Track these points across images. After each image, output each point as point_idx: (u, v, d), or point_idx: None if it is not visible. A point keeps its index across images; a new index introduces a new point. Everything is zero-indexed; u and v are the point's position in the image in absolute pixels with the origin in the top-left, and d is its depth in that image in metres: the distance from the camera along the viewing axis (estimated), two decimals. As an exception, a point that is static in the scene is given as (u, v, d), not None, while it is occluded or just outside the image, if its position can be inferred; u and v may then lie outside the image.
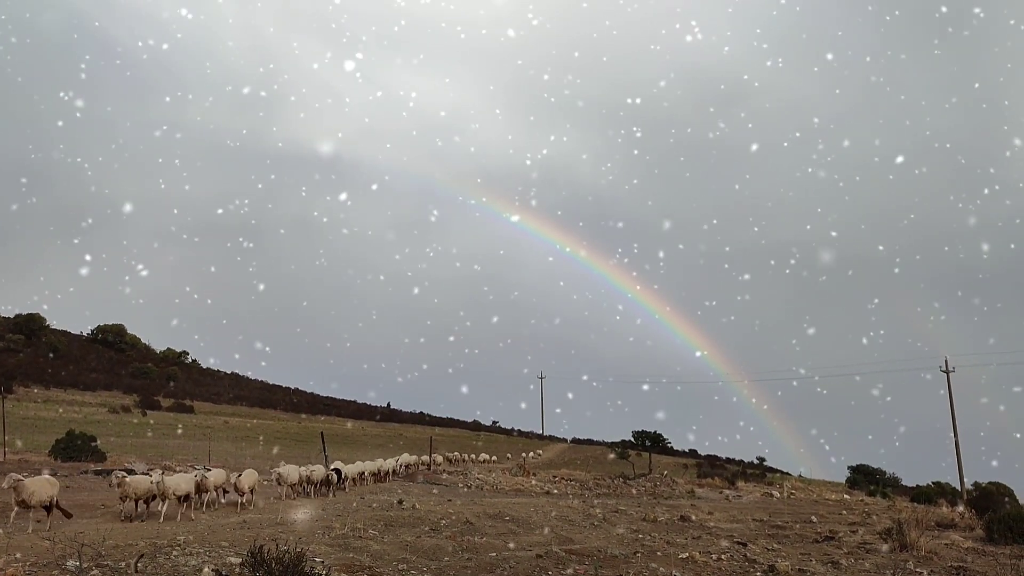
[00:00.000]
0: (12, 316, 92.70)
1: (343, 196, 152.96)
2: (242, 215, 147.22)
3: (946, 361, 62.26)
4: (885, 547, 20.26)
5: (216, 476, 23.68)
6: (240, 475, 24.41)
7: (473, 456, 62.24)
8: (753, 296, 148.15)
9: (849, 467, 70.51)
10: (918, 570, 17.08)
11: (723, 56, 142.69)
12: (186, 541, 15.04)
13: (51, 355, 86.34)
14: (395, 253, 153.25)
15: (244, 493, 24.23)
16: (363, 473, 35.81)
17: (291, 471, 28.03)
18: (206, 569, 12.31)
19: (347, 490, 32.30)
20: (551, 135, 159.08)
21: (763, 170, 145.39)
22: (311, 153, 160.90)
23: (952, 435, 59.83)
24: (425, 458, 50.31)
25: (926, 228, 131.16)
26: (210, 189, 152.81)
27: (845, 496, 48.74)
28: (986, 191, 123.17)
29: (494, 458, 64.52)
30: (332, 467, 32.52)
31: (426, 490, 36.72)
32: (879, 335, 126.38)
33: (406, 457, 44.80)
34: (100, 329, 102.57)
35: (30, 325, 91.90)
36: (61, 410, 64.19)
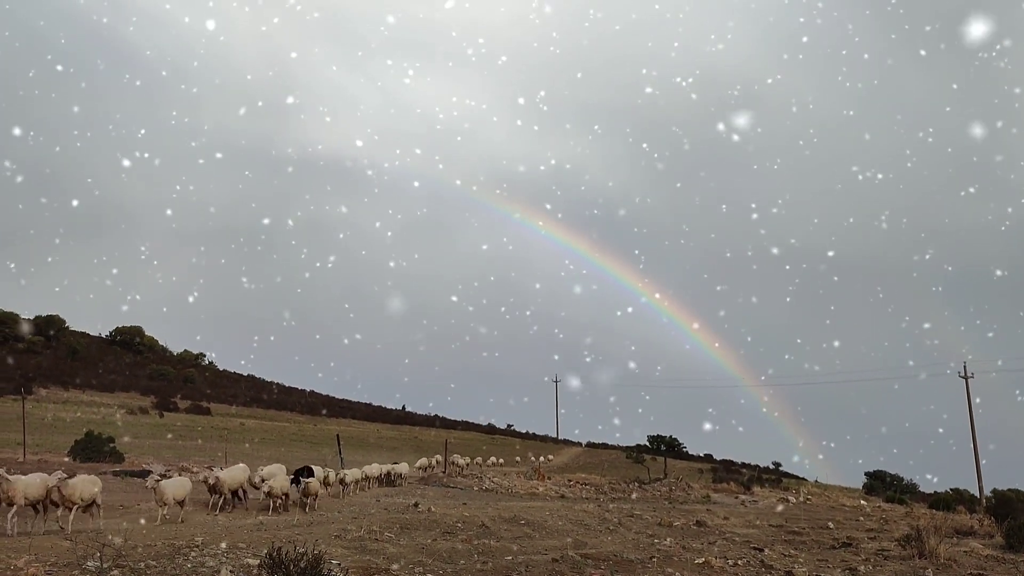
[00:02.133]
0: (32, 317, 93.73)
1: (358, 199, 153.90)
2: (257, 219, 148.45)
3: (964, 366, 61.71)
4: (903, 554, 20.13)
5: (28, 484, 17.49)
6: (68, 480, 18.09)
7: (479, 459, 61.56)
8: (769, 299, 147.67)
9: (866, 473, 69.75)
10: (937, 577, 16.95)
11: (737, 58, 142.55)
12: (204, 542, 15.16)
13: (70, 357, 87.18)
14: (410, 256, 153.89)
15: (76, 505, 17.94)
16: (335, 479, 30.71)
17: (173, 485, 20.64)
18: (224, 570, 12.41)
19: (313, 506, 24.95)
20: (564, 138, 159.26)
21: (778, 172, 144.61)
22: (325, 157, 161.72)
23: (971, 441, 59.39)
24: (422, 461, 50.42)
25: (944, 230, 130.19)
26: (225, 193, 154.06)
27: (862, 502, 48.38)
28: (1005, 192, 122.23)
29: (501, 461, 64.17)
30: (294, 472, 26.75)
31: (441, 493, 36.81)
32: (896, 339, 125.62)
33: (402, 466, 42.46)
34: (118, 331, 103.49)
35: (49, 326, 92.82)
36: (79, 411, 64.76)
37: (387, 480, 39.13)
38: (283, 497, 24.06)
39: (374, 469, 37.26)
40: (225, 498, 23.65)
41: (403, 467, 42.16)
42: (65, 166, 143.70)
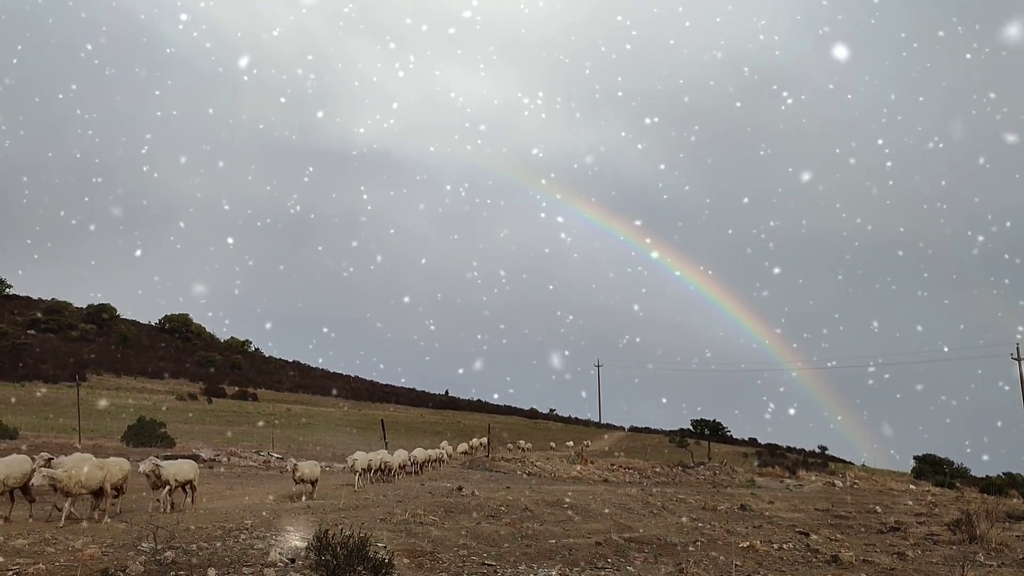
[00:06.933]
0: (85, 307, 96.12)
1: (399, 189, 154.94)
2: (301, 208, 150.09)
3: (1017, 348, 60.42)
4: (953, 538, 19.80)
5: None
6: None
7: (477, 441, 56.52)
8: (817, 282, 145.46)
9: (915, 457, 68.39)
10: (988, 562, 16.64)
11: (771, 43, 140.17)
12: (253, 525, 15.48)
13: (121, 344, 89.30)
14: (451, 244, 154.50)
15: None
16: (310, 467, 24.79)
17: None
18: (273, 552, 12.67)
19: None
20: (600, 126, 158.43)
21: (829, 154, 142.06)
22: (368, 148, 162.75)
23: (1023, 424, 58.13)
24: (431, 451, 49.16)
25: (996, 211, 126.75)
26: (269, 184, 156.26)
27: (911, 486, 47.59)
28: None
29: (529, 445, 63.49)
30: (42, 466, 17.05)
31: (484, 477, 37.03)
32: (947, 321, 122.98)
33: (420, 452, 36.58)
34: (167, 319, 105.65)
35: (102, 315, 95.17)
36: (131, 398, 66.32)
37: (382, 471, 30.48)
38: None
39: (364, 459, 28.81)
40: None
41: (401, 455, 33.00)
42: (116, 160, 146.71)
